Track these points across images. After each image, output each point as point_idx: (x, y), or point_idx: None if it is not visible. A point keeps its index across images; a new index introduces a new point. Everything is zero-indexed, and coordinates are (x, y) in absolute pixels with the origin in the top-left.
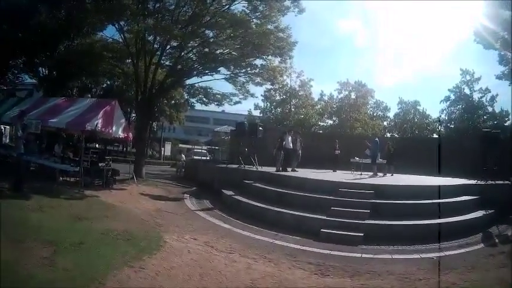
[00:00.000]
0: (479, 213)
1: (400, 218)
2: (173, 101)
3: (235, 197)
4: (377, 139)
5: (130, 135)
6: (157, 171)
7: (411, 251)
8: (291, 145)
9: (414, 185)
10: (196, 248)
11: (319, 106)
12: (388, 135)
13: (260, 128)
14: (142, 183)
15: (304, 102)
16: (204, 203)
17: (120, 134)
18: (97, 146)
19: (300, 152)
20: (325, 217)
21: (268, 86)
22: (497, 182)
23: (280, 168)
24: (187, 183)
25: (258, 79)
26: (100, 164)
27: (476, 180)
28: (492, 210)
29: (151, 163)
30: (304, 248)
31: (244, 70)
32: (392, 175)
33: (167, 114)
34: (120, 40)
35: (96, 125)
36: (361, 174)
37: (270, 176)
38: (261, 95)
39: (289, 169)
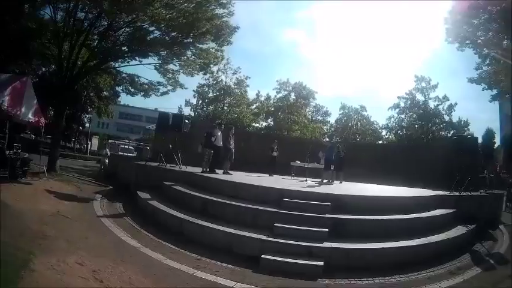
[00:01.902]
0: (460, 230)
1: (368, 239)
2: (102, 93)
3: (151, 202)
4: (334, 140)
5: (42, 120)
6: (80, 166)
7: (394, 285)
8: (221, 142)
9: (379, 197)
10: (74, 284)
11: (254, 106)
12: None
13: (186, 121)
14: (54, 178)
15: (239, 101)
16: (115, 206)
17: (30, 117)
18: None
19: (234, 150)
20: (267, 237)
21: (201, 75)
22: (473, 193)
23: (207, 169)
24: (106, 182)
25: (190, 68)
26: (7, 152)
27: (449, 191)
28: (473, 226)
29: (76, 157)
30: (238, 286)
31: (176, 56)
32: (341, 183)
33: (95, 106)
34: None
35: (2, 103)
36: (306, 180)
37: (194, 178)
38: (193, 90)
39: (219, 171)
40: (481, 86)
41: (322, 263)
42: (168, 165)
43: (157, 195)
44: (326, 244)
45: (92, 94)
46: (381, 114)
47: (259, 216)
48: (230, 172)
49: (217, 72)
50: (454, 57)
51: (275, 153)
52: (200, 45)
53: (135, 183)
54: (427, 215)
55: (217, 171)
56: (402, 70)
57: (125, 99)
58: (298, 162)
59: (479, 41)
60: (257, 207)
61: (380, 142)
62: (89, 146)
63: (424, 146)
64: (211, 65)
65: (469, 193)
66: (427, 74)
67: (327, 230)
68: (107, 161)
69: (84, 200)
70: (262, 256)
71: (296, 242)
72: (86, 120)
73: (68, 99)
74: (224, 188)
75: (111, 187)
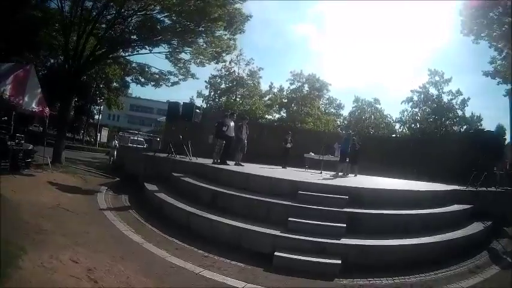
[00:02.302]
0: (477, 226)
1: (386, 235)
2: (111, 84)
3: (158, 194)
4: (350, 131)
5: (47, 110)
6: (89, 158)
7: (415, 285)
8: (233, 132)
9: (397, 190)
10: (64, 284)
11: (267, 97)
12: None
13: (197, 111)
14: (59, 170)
15: (252, 92)
16: (120, 199)
17: (34, 107)
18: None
19: (246, 142)
20: (280, 233)
21: (213, 65)
22: (489, 188)
23: (218, 160)
24: (113, 174)
25: (201, 57)
26: (9, 143)
27: (465, 187)
28: (489, 222)
29: (85, 149)
30: (249, 287)
31: (187, 44)
32: (355, 176)
33: (105, 97)
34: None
35: (3, 92)
36: (321, 173)
37: (204, 169)
38: (205, 81)
39: (230, 162)
40: (495, 81)
41: (339, 261)
42: (177, 156)
43: (165, 187)
44: (344, 240)
45: (101, 85)
46: (394, 108)
47: (273, 209)
48: (242, 164)
49: (229, 63)
50: (465, 52)
51: (289, 145)
52: (212, 33)
53: (143, 175)
54: (445, 210)
55: (228, 162)
56: (414, 64)
57: (136, 91)
58: (312, 154)
59: (495, 33)
60: (270, 200)
61: (394, 135)
62: (99, 138)
63: (438, 140)
64: (224, 54)
65: (485, 188)
66: (440, 68)
67: (345, 225)
68: (115, 152)
69: (89, 192)
70: (276, 253)
71: (312, 238)
72: (95, 112)
73: (74, 90)
74: (235, 180)
75: (118, 179)
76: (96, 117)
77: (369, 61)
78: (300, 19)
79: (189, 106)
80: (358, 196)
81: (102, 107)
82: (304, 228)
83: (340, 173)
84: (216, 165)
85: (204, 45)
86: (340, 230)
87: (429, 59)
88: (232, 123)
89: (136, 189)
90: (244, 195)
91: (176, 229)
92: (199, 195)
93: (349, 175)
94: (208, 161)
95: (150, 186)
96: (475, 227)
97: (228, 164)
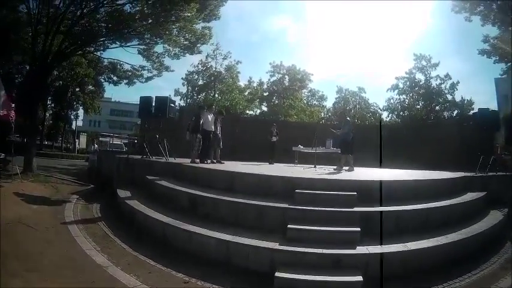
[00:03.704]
0: (496, 215)
1: (406, 234)
2: (86, 87)
3: (129, 201)
4: (348, 119)
5: (13, 113)
6: (66, 166)
7: None
8: (212, 126)
9: (409, 181)
10: None
11: (247, 92)
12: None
13: (172, 105)
14: (29, 179)
15: (231, 87)
16: (91, 209)
17: None
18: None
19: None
20: (279, 245)
21: (188, 61)
22: (498, 173)
23: (197, 160)
24: (90, 180)
25: (175, 50)
26: None
27: (474, 173)
28: (506, 210)
29: (64, 156)
30: None
31: (159, 36)
32: (351, 168)
33: (81, 101)
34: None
35: None
36: (315, 167)
37: (181, 170)
38: (182, 78)
39: (208, 161)
40: (483, 63)
41: (360, 278)
42: (153, 157)
43: (139, 193)
44: (360, 249)
45: (77, 89)
46: (378, 97)
47: (266, 214)
48: (222, 161)
49: (206, 57)
50: (449, 36)
51: (274, 139)
52: (184, 18)
53: (117, 180)
54: (462, 200)
55: (208, 161)
56: (397, 51)
57: (115, 95)
58: (301, 146)
59: (493, 4)
60: (262, 203)
61: (384, 123)
62: (77, 144)
63: (431, 125)
64: (199, 44)
65: (494, 173)
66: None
67: (358, 229)
68: (95, 158)
69: (57, 203)
70: (277, 274)
71: (320, 250)
72: (72, 117)
73: (42, 90)
74: (217, 180)
75: (92, 186)
76: (74, 123)
77: (350, 51)
78: (275, 11)
79: (163, 100)
80: (368, 191)
81: (79, 113)
82: (309, 236)
83: (345, 167)
84: (194, 165)
85: (176, 33)
86: (354, 235)
87: (413, 46)
88: (210, 116)
89: (111, 196)
90: (229, 198)
91: (150, 245)
92: (177, 201)
93: (344, 168)
94: (187, 161)
95: (123, 193)
96: (495, 217)
97: (207, 163)
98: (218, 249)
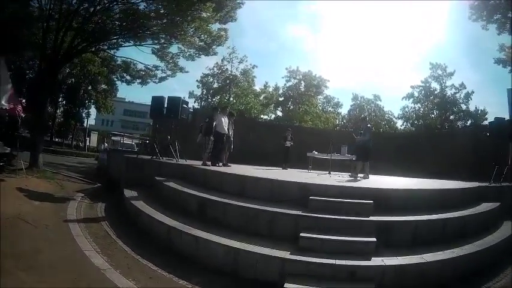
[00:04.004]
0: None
1: (422, 246)
2: (98, 85)
3: (135, 202)
4: (369, 125)
5: (19, 107)
6: (75, 163)
7: None
8: (225, 129)
9: (426, 190)
10: None
11: (262, 96)
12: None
13: (184, 106)
14: (35, 175)
15: (246, 90)
16: (95, 208)
17: (4, 103)
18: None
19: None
20: (290, 254)
21: (204, 64)
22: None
23: (208, 163)
24: (97, 179)
25: (191, 50)
26: None
27: (489, 183)
28: None
29: (74, 154)
30: None
31: (174, 37)
32: (366, 176)
33: (93, 100)
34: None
35: None
36: (329, 173)
37: (192, 172)
38: (197, 81)
39: (220, 163)
40: (494, 75)
41: None
42: (163, 158)
43: (146, 194)
44: (376, 261)
45: (89, 88)
46: (393, 105)
47: (277, 221)
48: (229, 164)
49: (222, 61)
50: (462, 49)
51: (288, 144)
52: (200, 18)
53: (124, 179)
54: (477, 210)
55: (220, 164)
56: (412, 60)
57: (129, 95)
58: (316, 152)
59: (509, 14)
60: (274, 209)
61: (399, 131)
62: (88, 142)
63: (446, 134)
64: (214, 46)
65: (508, 183)
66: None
67: (374, 239)
68: (105, 156)
69: (60, 200)
70: (286, 286)
71: (333, 261)
72: (84, 115)
73: (51, 86)
74: (229, 184)
75: (99, 185)
76: (86, 121)
77: (365, 59)
78: (292, 20)
79: (175, 100)
80: (385, 200)
81: (91, 111)
82: (322, 246)
83: (360, 175)
84: (205, 167)
85: (192, 33)
86: (370, 245)
87: (427, 55)
88: (224, 119)
89: (117, 196)
90: (240, 203)
91: (154, 248)
92: (185, 204)
93: (359, 175)
94: (198, 163)
95: (129, 193)
96: (509, 228)
97: (219, 165)
98: (225, 257)
